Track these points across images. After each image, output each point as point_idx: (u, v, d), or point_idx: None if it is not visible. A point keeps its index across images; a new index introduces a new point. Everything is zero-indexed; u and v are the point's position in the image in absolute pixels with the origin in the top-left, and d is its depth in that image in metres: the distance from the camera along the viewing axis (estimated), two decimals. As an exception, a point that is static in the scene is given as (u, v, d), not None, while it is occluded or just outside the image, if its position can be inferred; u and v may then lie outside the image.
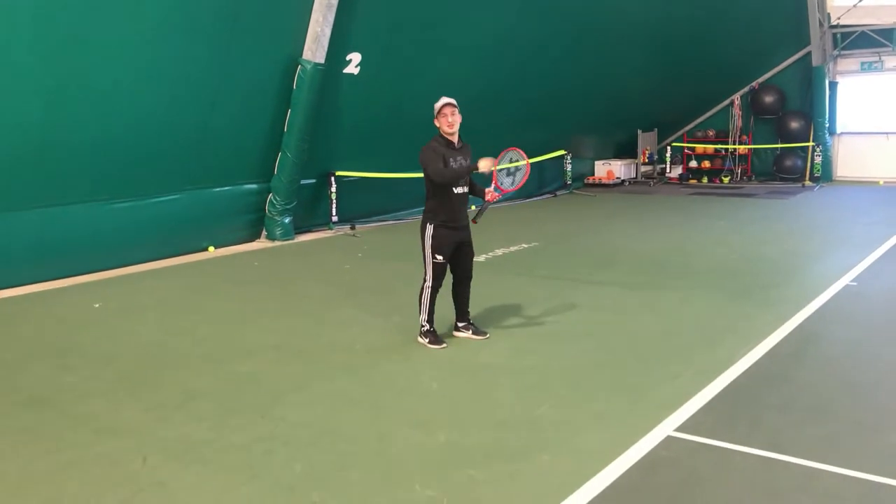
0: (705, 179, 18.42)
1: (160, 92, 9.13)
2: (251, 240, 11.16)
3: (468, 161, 6.04)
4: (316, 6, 10.23)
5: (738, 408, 4.85)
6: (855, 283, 7.98)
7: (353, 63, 11.17)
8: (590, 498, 3.77)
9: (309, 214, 11.82)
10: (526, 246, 10.55)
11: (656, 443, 4.35)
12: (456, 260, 6.14)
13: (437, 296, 6.11)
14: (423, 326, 6.12)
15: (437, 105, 5.99)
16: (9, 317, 7.33)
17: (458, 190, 5.99)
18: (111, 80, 8.59)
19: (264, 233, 11.23)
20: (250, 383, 5.40)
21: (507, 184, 6.46)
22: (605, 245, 10.64)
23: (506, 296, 7.71)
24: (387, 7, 10.98)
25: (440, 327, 6.28)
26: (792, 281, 8.29)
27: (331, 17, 10.35)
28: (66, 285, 8.56)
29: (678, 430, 4.52)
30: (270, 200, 11.09)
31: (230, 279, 8.88)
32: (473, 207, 6.44)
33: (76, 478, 4.04)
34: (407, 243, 6.25)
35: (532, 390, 5.19)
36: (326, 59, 10.53)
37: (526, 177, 6.51)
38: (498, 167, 6.28)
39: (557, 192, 16.57)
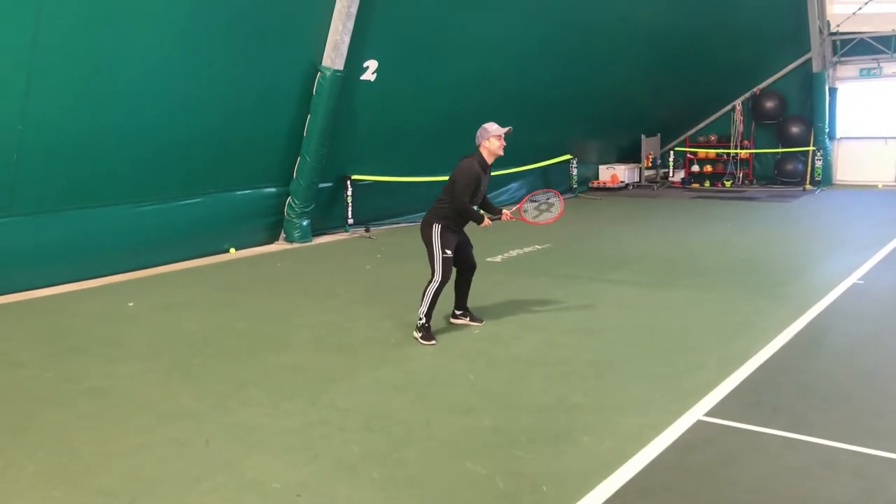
0: (707, 183, 18.76)
1: (185, 97, 9.40)
2: (270, 242, 11.43)
3: (488, 180, 6.48)
4: (336, 15, 10.52)
5: (762, 394, 5.15)
6: (862, 282, 8.30)
7: (370, 70, 11.46)
8: (632, 474, 4.05)
9: (325, 217, 12.09)
10: (539, 247, 10.84)
11: (688, 426, 4.64)
12: (459, 255, 6.51)
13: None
14: (420, 320, 6.32)
15: (494, 128, 6.31)
16: (50, 313, 7.58)
17: (475, 207, 6.41)
18: (139, 86, 8.85)
19: (283, 235, 11.50)
20: (296, 373, 5.68)
21: (531, 216, 6.92)
22: (615, 246, 10.94)
23: (527, 294, 8.00)
24: (402, 16, 11.28)
25: (486, 327, 6.55)
26: (801, 279, 8.60)
27: (350, 26, 10.64)
28: (96, 285, 8.81)
29: (707, 414, 4.81)
30: (289, 203, 11.36)
31: (256, 279, 9.15)
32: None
33: (148, 458, 4.31)
34: (421, 245, 6.56)
35: (565, 380, 5.48)
36: (345, 66, 10.82)
37: (551, 221, 6.94)
38: (529, 198, 6.83)
39: (563, 196, 16.84)
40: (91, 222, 9.03)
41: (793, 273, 8.91)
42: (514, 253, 10.38)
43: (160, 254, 9.83)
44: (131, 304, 7.89)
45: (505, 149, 6.45)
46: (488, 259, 9.95)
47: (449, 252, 6.31)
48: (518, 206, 6.84)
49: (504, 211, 6.66)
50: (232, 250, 10.78)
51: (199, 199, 10.26)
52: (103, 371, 5.79)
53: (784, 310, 7.16)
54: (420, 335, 6.31)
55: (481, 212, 6.49)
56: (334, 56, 10.68)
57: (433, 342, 6.27)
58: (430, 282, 6.32)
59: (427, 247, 6.39)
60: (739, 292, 7.92)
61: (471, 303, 6.83)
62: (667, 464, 4.18)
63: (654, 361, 5.84)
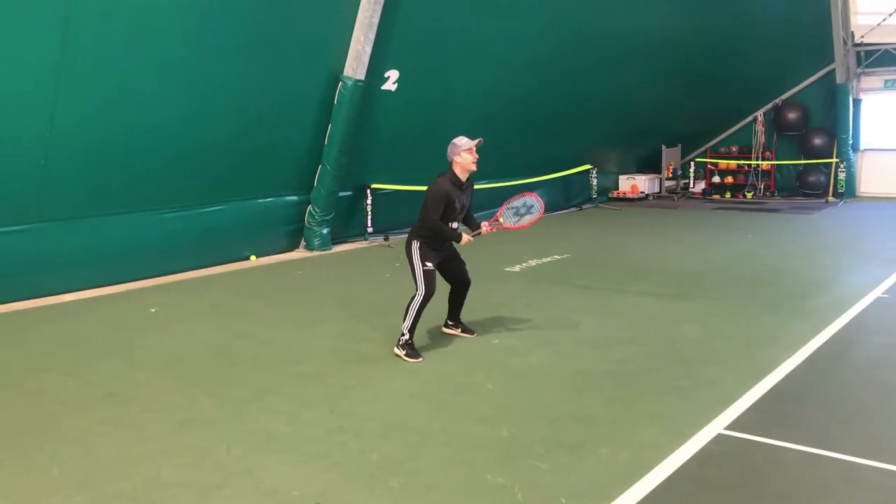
0: (728, 195, 18.64)
1: (209, 107, 9.50)
2: (290, 249, 11.49)
3: (470, 199, 6.28)
4: (357, 25, 10.60)
5: (785, 408, 5.10)
6: (886, 295, 8.19)
7: (391, 80, 11.53)
8: (651, 487, 4.02)
9: (345, 225, 12.15)
10: (558, 257, 10.82)
11: (708, 439, 4.61)
12: (450, 272, 6.47)
13: (425, 309, 6.20)
14: (402, 335, 6.13)
15: (464, 142, 6.09)
16: (74, 319, 7.68)
17: (453, 225, 6.21)
18: (164, 96, 8.96)
19: (303, 243, 11.57)
20: (315, 381, 5.70)
21: (511, 221, 6.71)
22: (635, 257, 10.89)
23: (546, 304, 7.98)
24: (423, 26, 11.35)
25: (505, 336, 6.55)
26: (824, 292, 8.50)
27: (371, 36, 10.71)
28: (118, 291, 8.90)
29: (728, 427, 4.77)
30: (310, 212, 11.44)
31: (277, 286, 9.21)
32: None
33: (168, 464, 4.34)
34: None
35: (583, 391, 5.46)
36: (366, 76, 10.89)
37: (532, 222, 6.75)
38: (506, 206, 6.64)
39: (583, 206, 16.84)
40: (115, 229, 9.14)
41: (816, 286, 8.82)
42: (532, 263, 10.36)
43: (182, 260, 9.92)
44: (153, 310, 7.97)
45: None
46: (507, 269, 9.96)
47: (429, 264, 6.15)
48: (495, 215, 6.64)
49: (483, 224, 6.40)
50: (253, 257, 10.86)
51: (221, 207, 10.35)
52: (125, 376, 5.85)
53: (807, 323, 7.09)
54: (403, 353, 6.09)
55: (459, 229, 6.25)
56: (356, 66, 10.75)
57: (419, 359, 6.06)
58: (414, 296, 6.16)
59: (409, 263, 6.27)
60: (761, 305, 7.86)
61: (488, 313, 6.84)
62: (686, 477, 4.15)
63: (673, 373, 5.80)
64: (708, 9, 15.12)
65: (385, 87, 11.53)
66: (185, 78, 9.07)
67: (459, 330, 6.75)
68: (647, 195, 18.20)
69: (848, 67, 17.52)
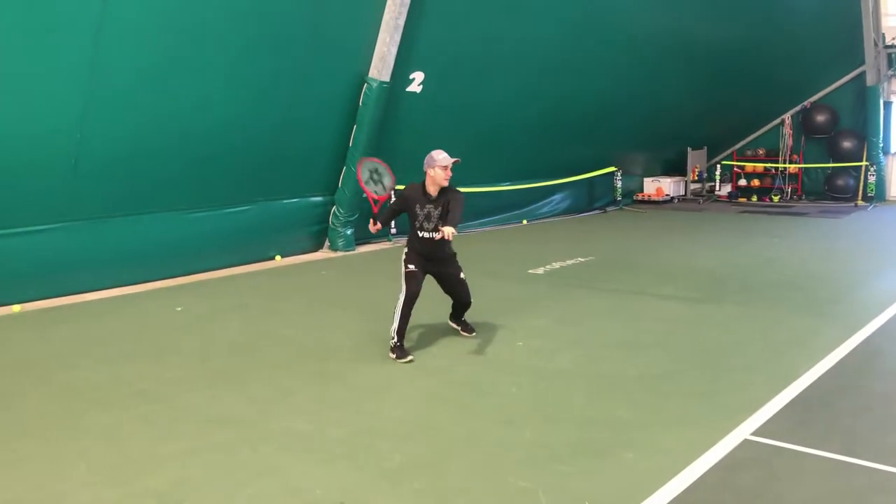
0: (755, 198, 18.45)
1: (237, 108, 9.58)
2: (315, 250, 11.56)
3: (439, 211, 6.17)
4: (383, 27, 10.64)
5: (812, 415, 5.03)
6: (917, 301, 8.07)
7: (416, 82, 11.56)
8: (677, 493, 3.99)
9: (369, 226, 12.19)
10: (582, 260, 10.77)
11: (734, 445, 4.56)
12: (448, 290, 6.56)
13: (411, 311, 6.24)
14: (392, 339, 6.21)
15: (441, 157, 6.12)
16: (102, 317, 7.79)
17: (424, 234, 6.24)
18: (192, 99, 9.05)
19: (327, 243, 11.63)
20: (339, 382, 5.73)
21: (380, 191, 6.82)
22: (660, 260, 10.82)
23: (570, 307, 7.96)
24: (449, 28, 11.36)
25: (529, 338, 6.53)
26: (853, 297, 8.39)
27: (397, 38, 10.74)
28: (146, 290, 9.01)
29: (755, 433, 4.72)
30: (334, 212, 11.50)
31: (302, 287, 9.27)
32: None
33: (196, 462, 4.39)
34: (462, 255, 6.60)
35: (608, 394, 5.43)
36: (391, 78, 10.92)
37: (392, 178, 6.72)
38: (363, 180, 6.81)
39: (607, 209, 16.76)
40: (144, 228, 9.26)
41: (844, 291, 8.70)
42: (556, 265, 10.33)
43: (209, 260, 10.02)
44: (179, 308, 8.06)
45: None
46: (530, 271, 9.94)
47: (411, 266, 6.28)
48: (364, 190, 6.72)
49: (442, 230, 6.07)
50: (278, 258, 10.94)
51: (247, 207, 10.45)
52: (152, 374, 5.92)
53: (835, 328, 7.00)
54: (395, 356, 6.17)
55: (425, 235, 6.25)
56: (381, 67, 10.79)
57: (409, 358, 6.14)
58: (399, 298, 6.28)
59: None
60: (788, 309, 7.77)
61: (512, 314, 6.84)
62: (712, 483, 4.12)
63: (699, 378, 5.75)
64: (736, 11, 14.99)
65: (410, 88, 11.56)
66: (214, 81, 9.16)
67: (460, 328, 6.87)
68: (673, 198, 18.08)
69: (879, 70, 17.27)
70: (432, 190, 6.22)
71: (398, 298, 6.29)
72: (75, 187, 8.38)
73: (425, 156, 6.25)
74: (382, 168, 6.80)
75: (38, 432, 4.84)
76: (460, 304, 6.70)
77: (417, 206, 6.24)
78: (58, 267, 8.49)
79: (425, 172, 6.23)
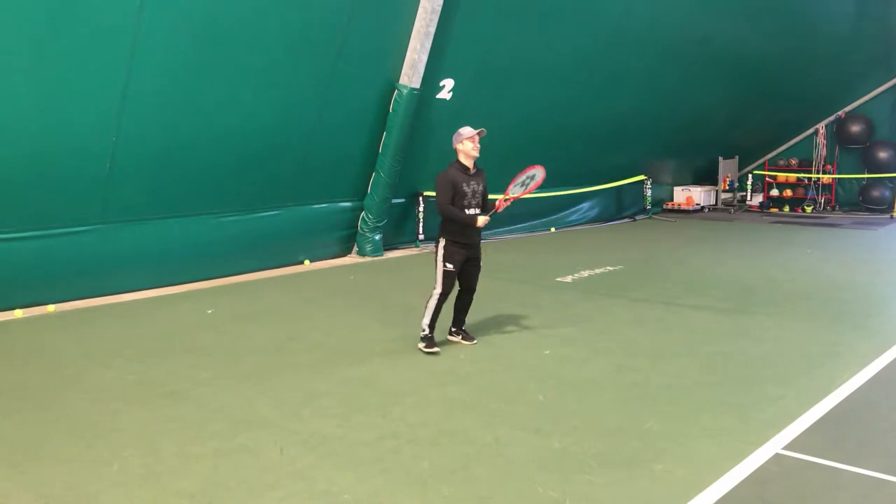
0: (787, 208, 18.21)
1: (269, 114, 9.69)
2: (343, 255, 11.63)
3: (481, 186, 6.47)
4: (414, 34, 10.69)
5: (846, 430, 4.95)
6: (955, 316, 7.90)
7: (446, 89, 11.59)
8: (706, 505, 3.95)
9: (397, 232, 12.26)
10: (611, 269, 10.71)
11: (766, 459, 4.50)
12: (464, 272, 6.57)
13: (442, 307, 6.51)
14: (423, 331, 6.48)
15: (467, 131, 6.38)
16: (134, 318, 7.90)
17: (470, 211, 6.40)
18: (226, 104, 9.17)
19: (355, 248, 11.69)
20: (367, 386, 5.76)
21: (517, 192, 6.81)
22: (690, 270, 10.71)
23: (599, 316, 7.91)
24: (479, 36, 11.38)
25: (556, 346, 6.52)
26: (888, 310, 8.24)
27: (428, 45, 10.79)
28: (177, 292, 9.13)
29: (786, 448, 4.66)
30: (363, 218, 11.56)
31: (331, 291, 9.32)
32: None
33: (225, 463, 4.44)
34: (490, 262, 6.68)
35: (637, 404, 5.39)
36: (421, 85, 10.97)
37: (537, 185, 6.78)
38: (514, 184, 6.75)
39: (636, 217, 16.65)
40: (176, 231, 9.39)
41: (879, 303, 8.55)
42: (585, 273, 10.28)
43: (239, 263, 10.14)
44: (210, 311, 8.15)
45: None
46: (558, 279, 9.90)
47: (450, 266, 6.43)
48: (506, 191, 6.74)
49: (497, 202, 6.56)
50: (307, 262, 11.02)
51: (277, 212, 10.55)
52: (183, 375, 6.00)
53: (870, 342, 6.88)
54: (423, 345, 6.46)
55: (473, 213, 6.39)
56: (412, 74, 10.85)
57: (436, 349, 6.43)
58: (431, 294, 6.48)
59: (434, 260, 6.54)
60: (821, 322, 7.65)
61: (540, 322, 6.80)
62: (742, 497, 4.06)
63: (730, 390, 5.69)
64: (771, 20, 14.81)
65: (440, 95, 11.60)
66: (247, 86, 9.28)
67: (461, 338, 6.83)
68: (703, 207, 17.90)
69: (916, 79, 16.97)
70: (469, 164, 6.43)
71: (431, 294, 6.49)
72: (110, 190, 8.52)
73: (447, 162, 6.48)
74: (534, 171, 6.87)
75: (71, 431, 4.92)
76: (468, 289, 6.69)
77: (463, 184, 6.37)
78: (92, 268, 8.64)
79: (456, 150, 6.45)
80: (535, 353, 6.60)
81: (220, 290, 9.32)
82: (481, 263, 6.73)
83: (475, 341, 6.84)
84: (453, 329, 6.88)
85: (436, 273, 6.50)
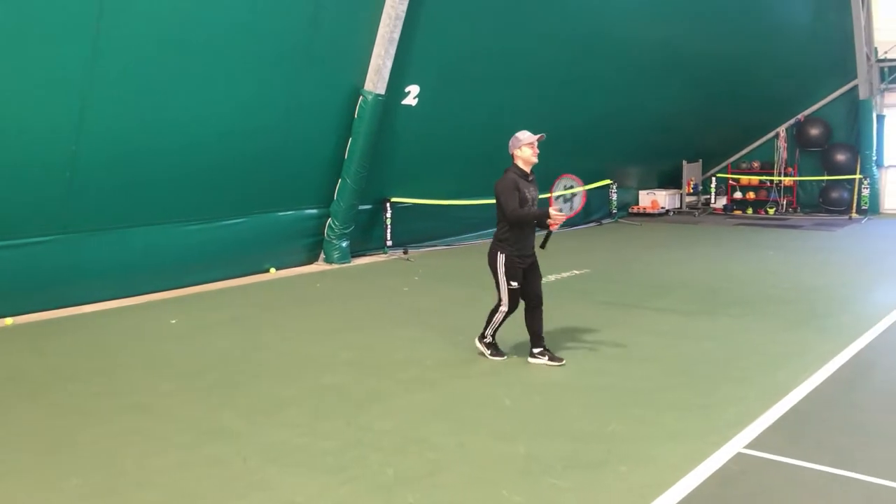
0: (750, 210, 18.51)
1: (232, 121, 9.60)
2: (310, 262, 11.56)
3: (537, 192, 6.31)
4: (378, 40, 10.70)
5: (805, 428, 5.04)
6: (910, 314, 8.10)
7: (412, 95, 11.61)
8: (670, 506, 4.00)
9: (364, 239, 12.22)
10: (577, 272, 10.79)
11: (727, 458, 4.56)
12: (528, 282, 6.33)
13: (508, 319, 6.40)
14: (484, 338, 6.45)
15: (526, 136, 6.23)
16: (96, 330, 7.78)
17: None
18: (188, 112, 9.06)
19: (322, 256, 11.63)
20: (333, 394, 5.73)
21: (566, 209, 6.67)
22: (656, 273, 10.84)
23: (565, 320, 7.95)
24: (444, 42, 11.43)
25: (523, 352, 6.54)
26: (846, 311, 8.42)
27: (392, 51, 10.80)
28: (140, 303, 9.00)
29: (747, 447, 4.73)
30: (329, 225, 11.51)
31: (296, 299, 9.26)
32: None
33: (189, 475, 4.38)
34: (459, 267, 6.63)
35: (602, 408, 5.43)
36: (386, 91, 10.97)
37: (583, 202, 6.73)
38: (554, 195, 6.58)
39: (602, 221, 16.80)
40: (138, 240, 9.25)
41: (838, 304, 8.73)
42: (551, 278, 10.33)
43: (203, 272, 10.02)
44: (174, 321, 8.05)
45: (541, 173, 6.38)
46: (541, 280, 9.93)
47: (514, 284, 6.19)
48: (550, 206, 6.44)
49: (550, 222, 6.20)
50: (272, 270, 10.93)
51: (242, 220, 10.45)
52: (146, 387, 5.91)
53: (828, 342, 7.01)
54: (489, 351, 6.43)
55: (534, 193, 6.20)
56: (376, 80, 10.84)
57: (504, 356, 6.40)
58: (498, 307, 6.30)
59: (492, 274, 6.33)
60: (782, 322, 7.79)
61: (506, 327, 6.67)
62: (705, 496, 4.12)
63: (694, 391, 5.76)
64: (730, 24, 15.09)
65: (405, 101, 11.61)
66: (209, 94, 9.20)
67: (547, 358, 6.29)
68: (668, 211, 18.13)
69: (871, 83, 17.39)
70: (528, 169, 6.26)
71: (497, 309, 6.34)
72: (71, 200, 8.38)
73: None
74: (568, 180, 6.75)
75: (29, 446, 4.82)
76: (535, 297, 6.32)
77: (525, 191, 6.16)
78: (52, 279, 8.48)
79: (512, 156, 6.28)
80: (503, 359, 6.61)
81: (184, 299, 9.21)
82: (539, 269, 6.43)
83: (563, 362, 6.30)
84: (535, 350, 6.35)
85: (499, 290, 6.27)
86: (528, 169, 6.27)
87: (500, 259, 6.24)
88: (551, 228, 6.33)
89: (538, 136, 6.27)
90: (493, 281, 6.38)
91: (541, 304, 6.42)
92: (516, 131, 6.43)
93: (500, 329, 6.46)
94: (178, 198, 9.52)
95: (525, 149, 6.22)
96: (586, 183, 15.81)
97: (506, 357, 6.44)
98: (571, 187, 6.77)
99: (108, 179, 8.63)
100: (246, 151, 9.94)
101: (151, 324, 7.98)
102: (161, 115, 8.81)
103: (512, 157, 6.32)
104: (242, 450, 4.71)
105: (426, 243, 13.19)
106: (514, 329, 6.62)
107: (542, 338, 6.42)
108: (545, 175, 6.52)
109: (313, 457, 4.62)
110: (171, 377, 6.15)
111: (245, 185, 10.25)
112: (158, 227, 9.46)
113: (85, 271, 8.77)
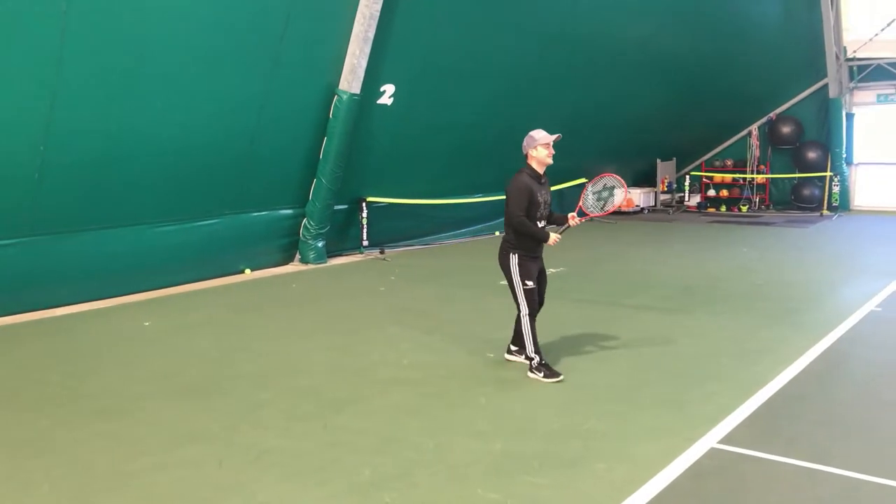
0: (724, 208, 18.71)
1: (205, 121, 9.50)
2: (285, 263, 11.49)
3: (549, 195, 6.10)
4: (353, 39, 10.65)
5: (779, 422, 5.09)
6: (880, 309, 8.22)
7: (387, 94, 11.57)
8: (645, 501, 4.01)
9: (340, 239, 12.16)
10: (553, 271, 10.69)
11: (702, 453, 4.60)
12: (539, 286, 6.19)
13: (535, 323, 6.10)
14: (532, 360, 6.00)
15: (541, 136, 5.96)
16: (66, 333, 7.66)
17: (540, 224, 6.03)
18: (159, 111, 8.93)
19: (298, 256, 11.56)
20: (309, 395, 5.69)
21: (597, 208, 6.56)
22: (631, 271, 10.90)
23: (540, 318, 7.93)
24: (418, 41, 11.41)
25: (500, 350, 6.54)
26: (819, 306, 8.53)
27: (367, 50, 10.76)
28: (113, 304, 8.88)
29: (721, 441, 4.77)
30: (305, 225, 11.44)
31: (272, 300, 9.19)
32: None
33: (163, 479, 4.32)
34: (435, 267, 6.58)
35: (579, 405, 5.45)
36: (361, 90, 10.92)
37: (615, 207, 6.40)
38: (590, 188, 6.45)
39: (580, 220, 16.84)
40: (110, 242, 9.12)
41: (810, 299, 8.84)
42: (528, 276, 10.35)
43: (177, 274, 9.91)
44: (147, 323, 7.95)
45: (517, 171, 6.23)
46: (501, 282, 9.93)
47: (530, 283, 5.98)
48: (578, 205, 6.36)
49: (569, 217, 6.11)
50: (247, 271, 10.84)
51: (216, 220, 10.35)
52: (119, 390, 5.83)
53: (801, 337, 7.10)
54: (541, 374, 5.91)
55: (546, 229, 6.03)
56: (351, 80, 10.79)
57: (560, 377, 5.88)
58: (519, 315, 6.07)
59: (506, 277, 6.11)
60: (756, 318, 7.87)
61: (482, 326, 6.71)
62: (680, 491, 4.14)
63: (669, 387, 5.80)
64: (702, 23, 15.24)
65: (380, 101, 11.57)
66: (180, 92, 9.08)
67: (523, 357, 6.24)
68: (643, 209, 18.26)
69: (841, 82, 17.65)
70: (541, 171, 6.00)
71: (519, 318, 6.07)
72: (39, 201, 8.24)
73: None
74: (611, 179, 6.54)
75: (0, 451, 4.74)
76: (540, 305, 6.25)
77: (537, 194, 5.92)
78: (22, 282, 8.33)
79: (526, 156, 6.02)
80: (479, 356, 6.62)
81: (157, 301, 9.10)
82: (546, 274, 6.31)
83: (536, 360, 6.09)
84: (513, 347, 6.37)
85: (516, 293, 6.02)
86: (541, 170, 6.01)
87: (513, 260, 6.01)
88: (570, 225, 6.12)
89: (554, 136, 6.01)
90: (507, 283, 6.10)
91: (540, 308, 6.30)
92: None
93: (538, 338, 6.03)
94: (150, 199, 9.40)
95: (540, 149, 5.95)
96: (561, 182, 16.03)
97: (562, 378, 5.88)
98: (612, 187, 6.55)
99: (78, 181, 8.50)
100: (220, 151, 9.85)
101: (125, 326, 7.87)
102: (132, 116, 8.69)
103: (526, 157, 6.04)
104: (217, 452, 4.66)
105: (402, 243, 13.17)
106: (490, 331, 6.62)
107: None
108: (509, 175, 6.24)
109: (290, 458, 4.58)
110: (144, 380, 6.07)
111: (219, 186, 10.15)
112: (130, 228, 9.33)
113: (56, 274, 8.63)
